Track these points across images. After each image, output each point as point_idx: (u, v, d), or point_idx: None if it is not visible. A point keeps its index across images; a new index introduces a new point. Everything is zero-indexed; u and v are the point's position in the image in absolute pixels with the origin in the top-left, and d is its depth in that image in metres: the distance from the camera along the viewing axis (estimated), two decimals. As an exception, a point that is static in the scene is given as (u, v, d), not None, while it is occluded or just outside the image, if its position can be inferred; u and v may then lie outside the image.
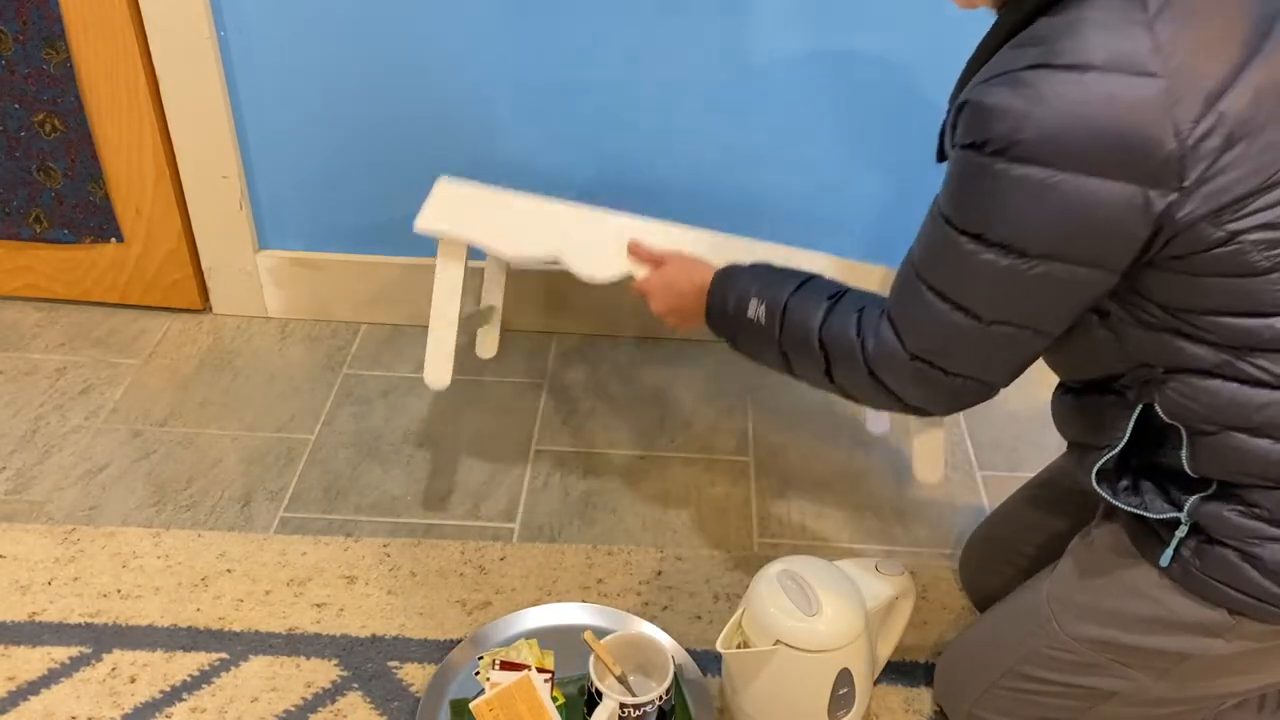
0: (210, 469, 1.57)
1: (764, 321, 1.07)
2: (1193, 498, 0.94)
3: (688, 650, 1.30)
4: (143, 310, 1.89)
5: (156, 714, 1.23)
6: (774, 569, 1.17)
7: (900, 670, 1.31)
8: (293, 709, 1.24)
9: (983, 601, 1.34)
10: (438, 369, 1.33)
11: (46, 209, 1.76)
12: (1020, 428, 1.70)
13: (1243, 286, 0.84)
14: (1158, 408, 0.94)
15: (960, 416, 1.71)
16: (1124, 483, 0.99)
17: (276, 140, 1.71)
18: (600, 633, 1.25)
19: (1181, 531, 0.95)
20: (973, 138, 0.84)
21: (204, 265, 1.85)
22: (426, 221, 1.32)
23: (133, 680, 1.27)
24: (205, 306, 1.90)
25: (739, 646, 1.17)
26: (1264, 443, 0.88)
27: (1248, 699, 1.13)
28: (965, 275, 0.89)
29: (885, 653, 1.27)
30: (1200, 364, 0.89)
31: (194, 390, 1.72)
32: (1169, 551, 0.96)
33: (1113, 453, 0.98)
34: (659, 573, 1.43)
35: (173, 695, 1.25)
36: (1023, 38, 0.85)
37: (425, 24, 1.58)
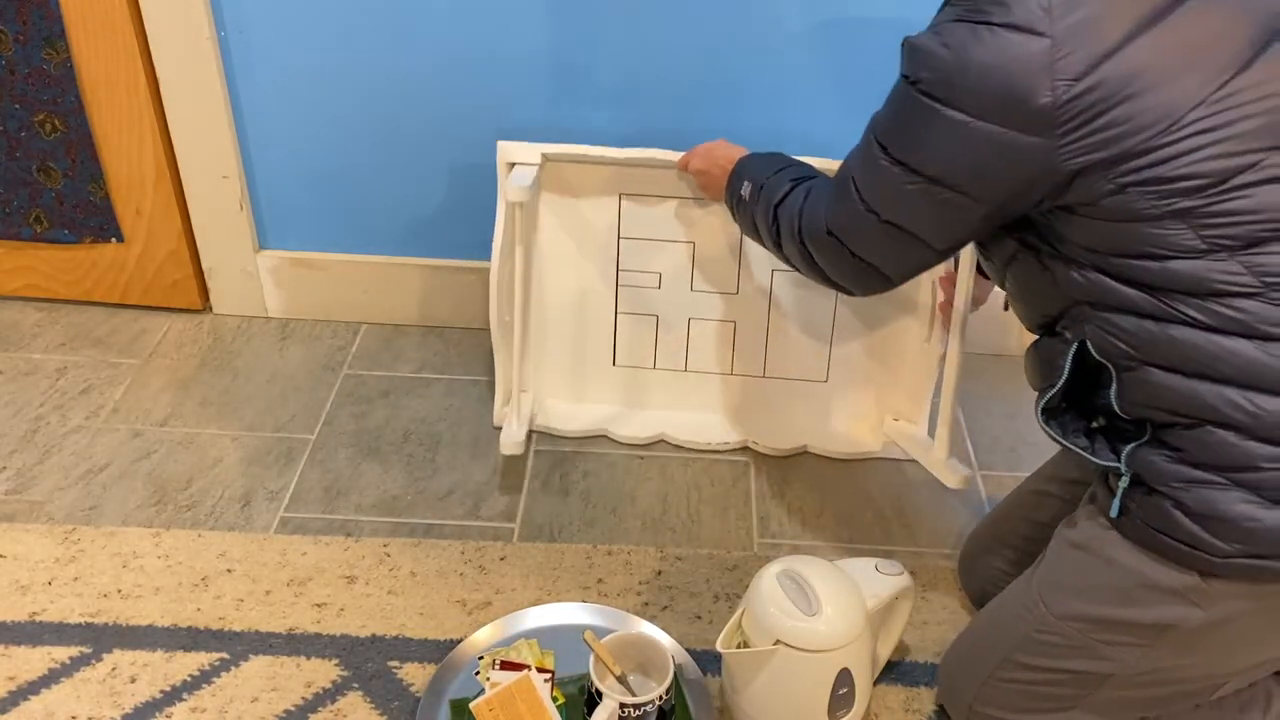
0: (210, 469, 1.57)
1: (748, 196, 1.26)
2: (1129, 446, 0.99)
3: (688, 650, 1.30)
4: (143, 310, 1.89)
5: (156, 714, 1.23)
6: (774, 569, 1.17)
7: (900, 670, 1.31)
8: (293, 709, 1.24)
9: (981, 600, 1.34)
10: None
11: (47, 209, 1.76)
12: (1020, 428, 1.70)
13: (1136, 231, 0.91)
14: (1089, 345, 1.00)
15: (962, 417, 1.71)
16: (1074, 426, 1.06)
17: (276, 140, 1.71)
18: (600, 633, 1.25)
19: (1124, 482, 1.01)
20: (901, 70, 0.99)
21: (204, 265, 1.85)
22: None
23: (133, 680, 1.27)
24: (205, 306, 1.90)
25: (739, 646, 1.17)
26: (1175, 378, 0.94)
27: (1254, 700, 1.13)
28: (870, 175, 1.03)
29: (885, 653, 1.27)
30: (1121, 302, 0.96)
31: (194, 390, 1.73)
32: (1115, 502, 1.02)
33: (1053, 390, 1.05)
34: (659, 573, 1.43)
35: (173, 695, 1.25)
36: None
37: (424, 24, 1.59)
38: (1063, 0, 0.87)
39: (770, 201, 1.20)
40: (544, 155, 1.50)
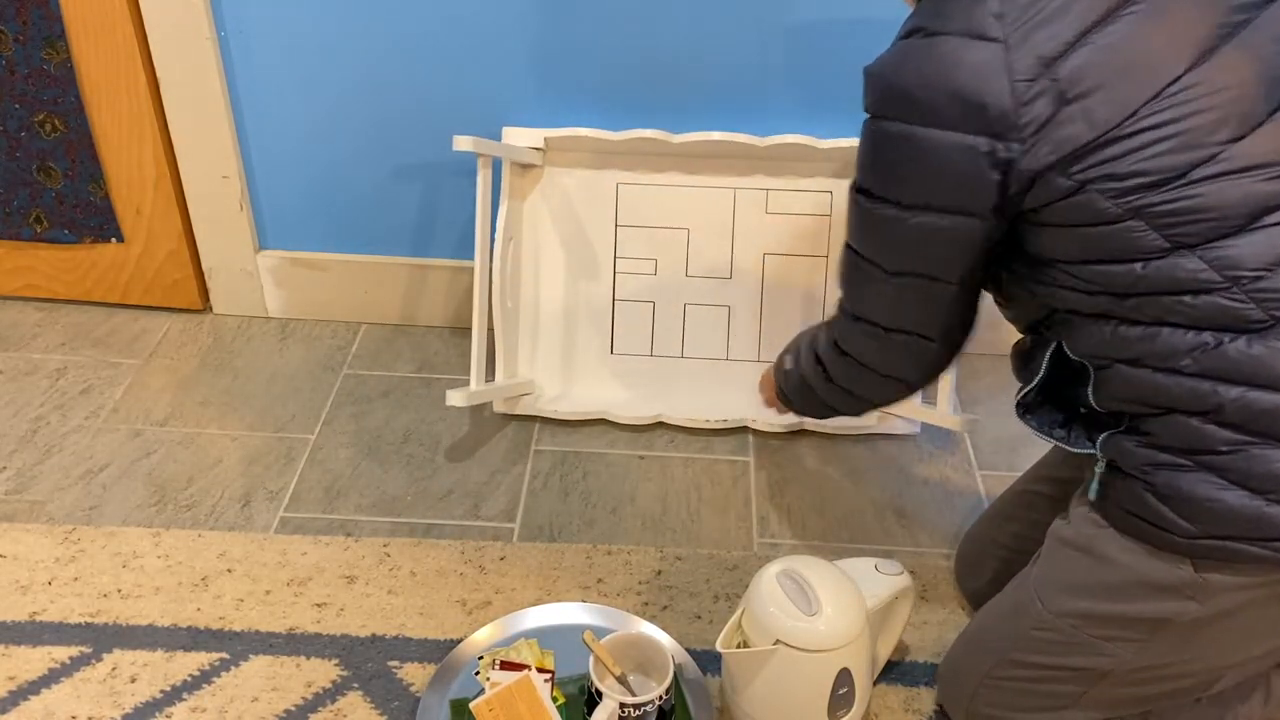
0: (210, 469, 1.57)
1: (791, 366, 1.25)
2: (1104, 434, 1.02)
3: (688, 650, 1.30)
4: (143, 310, 1.89)
5: (156, 714, 1.23)
6: (774, 569, 1.17)
7: (900, 670, 1.31)
8: (293, 709, 1.24)
9: (978, 600, 1.34)
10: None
11: (47, 209, 1.76)
12: (1020, 428, 1.68)
13: (1102, 234, 0.92)
14: (1065, 346, 1.03)
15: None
16: (1051, 419, 1.09)
17: (276, 140, 1.71)
18: (600, 633, 1.25)
19: (1100, 466, 1.03)
20: (865, 105, 0.96)
21: (204, 265, 1.85)
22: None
23: (133, 680, 1.27)
24: (205, 306, 1.90)
25: (739, 646, 1.17)
26: (1143, 372, 0.96)
27: (1254, 688, 1.13)
28: (865, 230, 1.02)
29: (885, 653, 1.27)
30: (1093, 308, 0.97)
31: (194, 390, 1.73)
32: (1093, 484, 1.04)
33: (1029, 386, 1.08)
34: (659, 573, 1.43)
35: (173, 695, 1.25)
36: (909, 17, 0.96)
37: (425, 24, 1.59)
38: (1013, 4, 0.89)
39: (813, 348, 1.20)
40: (546, 140, 1.61)
